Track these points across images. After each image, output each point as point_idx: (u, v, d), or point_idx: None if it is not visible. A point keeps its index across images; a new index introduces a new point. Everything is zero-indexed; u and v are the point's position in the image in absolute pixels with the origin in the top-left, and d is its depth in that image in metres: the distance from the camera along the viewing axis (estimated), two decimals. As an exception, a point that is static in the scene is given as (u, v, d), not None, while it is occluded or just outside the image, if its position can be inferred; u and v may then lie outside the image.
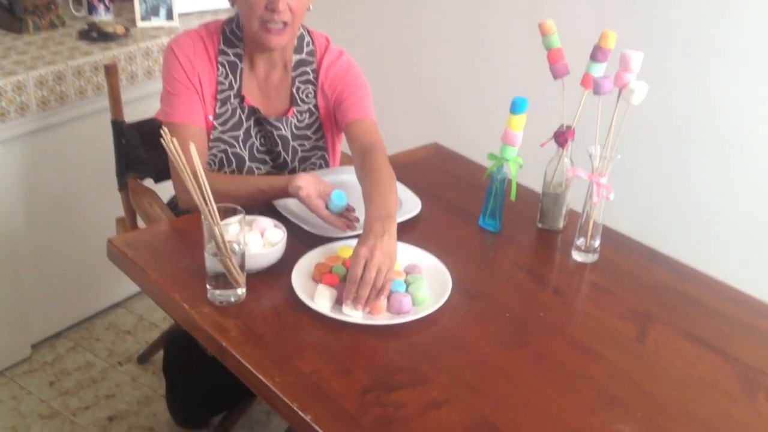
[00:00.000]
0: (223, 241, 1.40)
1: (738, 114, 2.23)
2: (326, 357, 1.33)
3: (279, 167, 1.91)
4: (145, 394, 2.42)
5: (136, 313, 2.74)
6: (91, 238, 2.54)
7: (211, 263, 1.43)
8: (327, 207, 1.62)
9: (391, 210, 1.54)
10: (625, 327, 1.45)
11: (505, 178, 1.68)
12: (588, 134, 1.60)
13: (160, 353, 2.43)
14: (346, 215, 1.62)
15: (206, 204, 1.40)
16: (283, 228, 1.57)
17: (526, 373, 1.32)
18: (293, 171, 1.92)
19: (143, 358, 2.53)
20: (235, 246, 1.43)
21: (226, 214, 1.45)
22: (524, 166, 1.68)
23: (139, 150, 2.19)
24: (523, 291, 1.54)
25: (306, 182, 1.62)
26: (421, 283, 1.48)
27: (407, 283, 1.49)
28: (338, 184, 1.81)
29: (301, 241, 1.61)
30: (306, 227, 1.66)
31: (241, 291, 1.46)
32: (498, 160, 1.67)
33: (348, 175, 1.86)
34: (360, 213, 1.60)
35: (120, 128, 2.15)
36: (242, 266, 1.44)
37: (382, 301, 1.43)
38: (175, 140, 1.40)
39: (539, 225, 1.75)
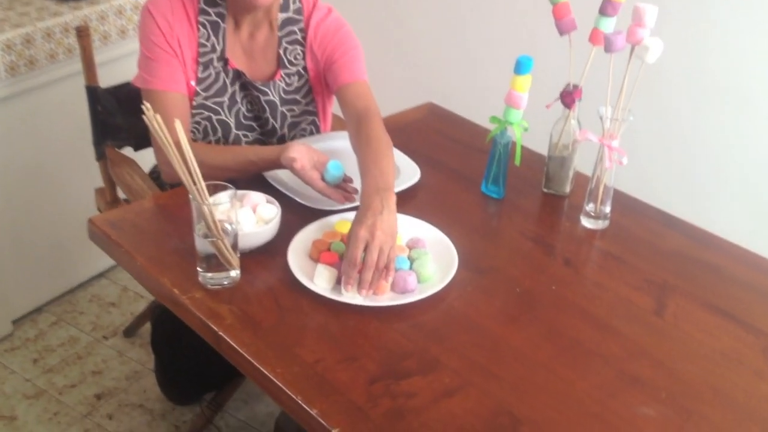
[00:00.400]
0: (214, 222, 1.31)
1: (762, 71, 2.13)
2: (329, 344, 1.25)
3: (267, 134, 1.81)
4: (133, 369, 2.34)
5: (120, 284, 2.65)
6: (70, 209, 2.43)
7: (202, 245, 1.33)
8: (322, 178, 1.52)
9: (389, 181, 1.45)
10: (642, 299, 1.38)
11: (509, 142, 1.59)
12: (597, 94, 1.51)
13: (148, 325, 2.34)
14: (343, 186, 1.53)
15: (194, 183, 1.30)
16: (276, 203, 1.47)
17: (541, 353, 1.25)
18: (282, 138, 1.82)
19: (130, 332, 2.44)
20: (227, 226, 1.34)
21: (215, 190, 1.36)
22: (529, 130, 1.59)
23: (117, 116, 2.07)
24: (533, 263, 1.46)
25: (299, 153, 1.52)
26: (425, 258, 1.39)
27: (411, 260, 1.40)
28: (331, 151, 1.71)
29: (295, 215, 1.52)
30: (300, 200, 1.56)
31: (235, 273, 1.37)
32: (501, 123, 1.57)
33: (341, 141, 1.76)
34: (358, 183, 1.51)
35: (95, 94, 2.03)
36: (235, 247, 1.35)
37: (389, 279, 1.34)
38: (158, 117, 1.29)
39: (545, 190, 1.66)
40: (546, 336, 1.29)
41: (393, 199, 1.40)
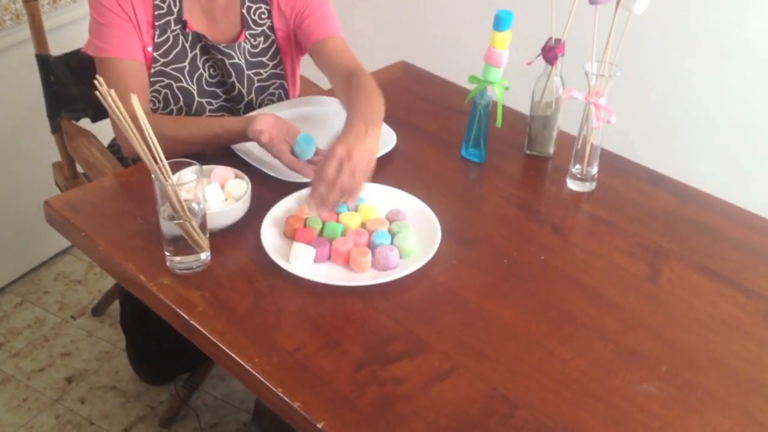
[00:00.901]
0: (180, 202, 1.21)
1: (757, 22, 2.05)
2: (310, 328, 1.18)
3: (233, 100, 1.70)
4: (103, 349, 2.25)
5: (85, 260, 2.55)
6: (28, 185, 2.32)
7: (168, 227, 1.24)
8: (293, 152, 1.42)
9: (377, 118, 1.39)
10: (635, 265, 1.31)
11: (489, 103, 1.51)
12: (581, 50, 1.43)
13: (116, 303, 2.25)
14: (315, 161, 1.44)
15: (156, 161, 1.20)
16: (246, 178, 1.38)
17: (534, 330, 1.18)
18: (249, 104, 1.71)
19: (98, 310, 2.35)
20: (194, 205, 1.25)
21: (179, 167, 1.26)
22: (510, 89, 1.50)
23: (71, 86, 1.95)
24: (520, 231, 1.39)
25: (267, 125, 1.42)
26: (406, 232, 1.32)
27: (392, 234, 1.32)
28: (304, 118, 1.62)
29: (267, 188, 1.43)
30: (271, 173, 1.47)
31: (205, 255, 1.28)
32: (481, 83, 1.49)
33: (312, 107, 1.66)
34: (322, 140, 1.43)
35: (46, 63, 1.90)
36: (204, 227, 1.26)
37: (365, 257, 1.26)
38: (113, 92, 1.18)
39: (527, 151, 1.59)
40: (538, 311, 1.22)
41: (379, 132, 1.36)
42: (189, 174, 1.25)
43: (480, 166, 1.55)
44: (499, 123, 1.51)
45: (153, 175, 1.21)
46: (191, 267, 1.27)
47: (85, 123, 1.97)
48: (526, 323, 1.19)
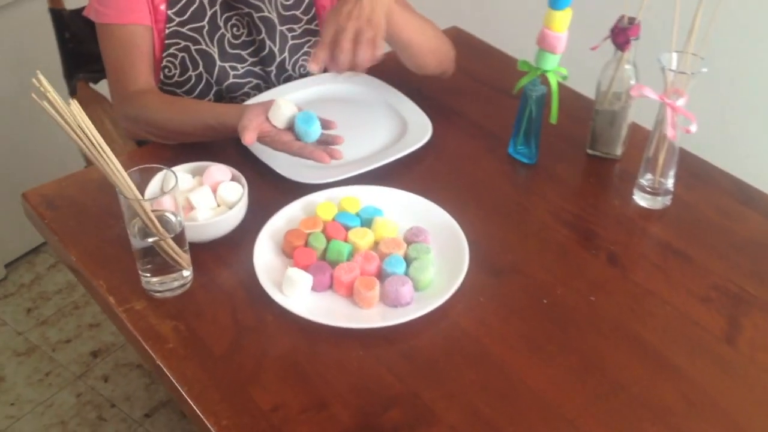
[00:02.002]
0: (151, 219, 1.02)
1: None
2: (294, 381, 0.97)
3: (263, 62, 1.47)
4: (131, 323, 2.11)
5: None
6: (60, 141, 2.16)
7: (139, 244, 1.05)
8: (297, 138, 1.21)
9: None
10: (709, 317, 1.05)
11: (542, 95, 1.24)
12: (658, 36, 1.14)
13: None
14: (325, 140, 1.22)
15: (114, 172, 1.00)
16: (243, 181, 1.17)
17: (569, 401, 0.95)
18: (282, 66, 1.49)
19: (130, 279, 2.21)
20: (170, 217, 1.05)
21: (152, 172, 1.07)
22: (568, 78, 1.24)
23: (88, 44, 1.74)
24: (568, 260, 1.14)
25: (255, 115, 1.20)
26: (426, 260, 1.09)
27: (408, 260, 1.09)
28: (327, 99, 1.39)
29: (274, 188, 1.23)
30: (279, 170, 1.25)
31: (187, 273, 1.09)
32: (533, 71, 1.22)
33: (341, 85, 1.43)
34: (342, 128, 1.22)
35: (60, 18, 1.71)
36: (182, 242, 1.06)
37: (372, 291, 1.04)
38: (53, 92, 0.97)
39: (589, 151, 1.32)
40: (578, 374, 0.98)
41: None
42: (159, 182, 1.05)
43: (529, 169, 1.29)
44: (553, 119, 1.24)
45: (117, 189, 1.01)
46: (171, 287, 1.08)
47: (104, 86, 1.78)
48: (560, 391, 0.96)
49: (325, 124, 1.22)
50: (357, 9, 1.23)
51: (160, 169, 1.05)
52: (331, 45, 1.24)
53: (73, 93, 1.77)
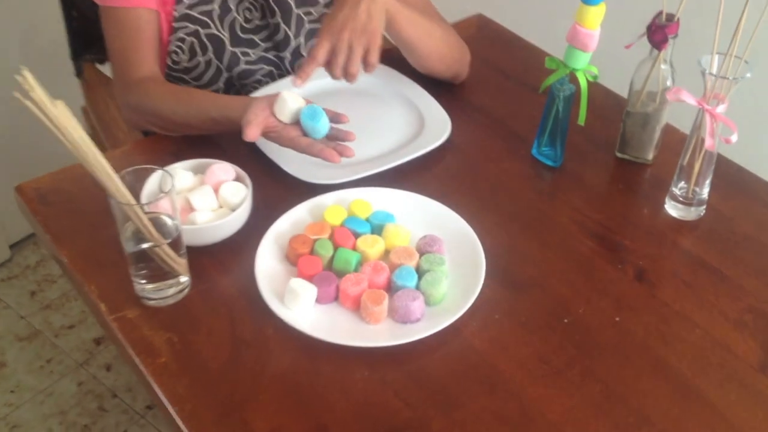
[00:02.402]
0: (146, 225, 0.95)
1: None
2: (293, 403, 0.91)
3: (278, 47, 1.39)
4: (136, 311, 2.06)
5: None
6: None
7: (132, 247, 0.98)
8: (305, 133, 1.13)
9: None
10: (744, 344, 0.97)
11: (571, 95, 1.16)
12: (698, 35, 1.05)
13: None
14: (336, 135, 1.14)
15: (103, 174, 0.93)
16: (248, 180, 1.10)
17: (592, 434, 0.88)
18: (297, 51, 1.40)
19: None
20: (166, 220, 0.98)
21: (147, 172, 1.00)
22: (599, 77, 1.15)
23: (97, 24, 1.67)
24: (592, 274, 1.06)
25: (260, 110, 1.12)
26: (439, 272, 1.01)
27: (420, 272, 1.02)
28: (340, 92, 1.31)
29: (276, 186, 1.16)
30: (286, 168, 1.18)
31: (185, 279, 1.02)
32: (561, 69, 1.14)
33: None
34: (354, 124, 1.15)
35: (68, -4, 1.64)
36: (178, 247, 0.99)
37: (380, 305, 0.97)
38: (38, 90, 0.89)
39: (618, 154, 1.23)
40: (599, 404, 0.91)
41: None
42: (158, 180, 0.98)
43: (553, 172, 1.21)
44: (581, 121, 1.16)
45: (108, 194, 0.94)
46: (166, 295, 1.01)
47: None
48: (580, 424, 0.89)
49: (335, 118, 1.15)
50: (353, 17, 1.16)
51: (155, 170, 0.98)
52: (324, 60, 1.18)
53: (79, 74, 1.70)
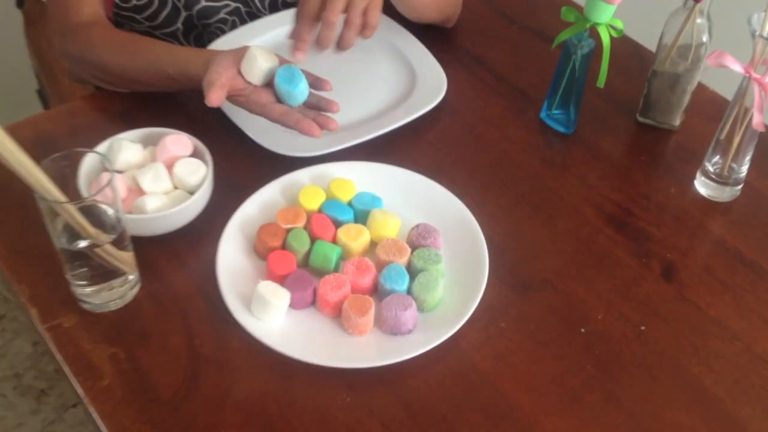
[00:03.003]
0: (81, 224, 0.78)
1: None
2: (262, 438, 0.76)
3: None
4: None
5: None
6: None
7: (65, 244, 0.81)
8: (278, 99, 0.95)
9: None
10: (791, 360, 0.83)
11: (590, 52, 0.98)
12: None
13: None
14: (316, 103, 0.96)
15: (21, 167, 0.75)
16: (207, 157, 0.92)
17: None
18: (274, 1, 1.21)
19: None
20: (106, 210, 0.81)
21: (79, 155, 0.82)
22: (624, 32, 0.97)
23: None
24: (611, 270, 0.90)
25: (224, 68, 0.94)
26: (435, 272, 0.86)
27: (413, 271, 0.86)
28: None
29: (243, 159, 0.99)
30: (254, 137, 1.00)
31: (132, 278, 0.86)
32: (581, 22, 0.96)
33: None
34: (334, 82, 0.96)
35: None
36: (125, 241, 0.83)
37: (365, 316, 0.81)
38: None
39: (640, 119, 1.07)
40: (626, 436, 0.77)
41: None
42: (97, 170, 0.81)
43: (565, 141, 1.04)
44: (601, 83, 0.99)
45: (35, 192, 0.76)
46: (108, 300, 0.85)
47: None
48: (602, 464, 0.75)
49: (316, 84, 0.96)
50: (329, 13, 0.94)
51: (84, 154, 0.80)
52: (313, 18, 0.96)
53: (20, 5, 1.49)
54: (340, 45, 0.96)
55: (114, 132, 0.93)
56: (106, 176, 0.81)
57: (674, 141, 1.05)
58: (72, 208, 0.76)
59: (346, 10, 0.94)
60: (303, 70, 0.94)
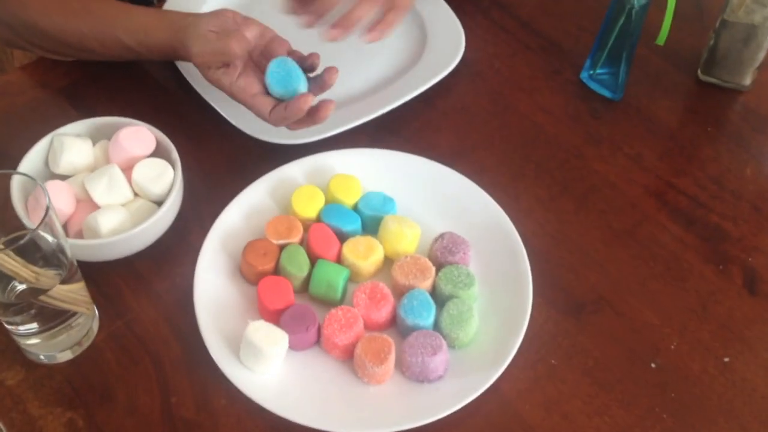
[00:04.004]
0: (13, 270, 0.60)
1: None
2: None
3: None
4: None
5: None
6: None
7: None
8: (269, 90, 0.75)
9: None
10: None
11: (647, 3, 0.79)
12: None
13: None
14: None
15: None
16: (174, 156, 0.73)
17: None
18: None
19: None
20: (45, 237, 0.63)
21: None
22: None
23: None
24: (683, 284, 0.73)
25: (207, 45, 0.73)
26: (468, 298, 0.69)
27: (439, 300, 0.69)
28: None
29: (222, 152, 0.80)
30: (234, 121, 0.81)
31: (84, 319, 0.68)
32: (640, -35, 0.76)
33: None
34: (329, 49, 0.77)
35: None
36: (73, 275, 0.65)
37: (384, 364, 0.65)
38: None
39: (702, 77, 0.88)
40: None
41: None
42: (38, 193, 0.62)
43: (612, 108, 0.86)
44: (661, 40, 0.79)
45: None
46: (61, 349, 0.68)
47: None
48: None
49: (304, 63, 0.75)
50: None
51: (9, 176, 0.62)
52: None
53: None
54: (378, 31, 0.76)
55: (56, 115, 0.76)
56: (42, 199, 0.62)
57: (743, 104, 0.87)
58: (5, 258, 0.58)
59: None
60: (298, 56, 0.73)
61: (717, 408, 0.66)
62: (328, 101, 0.72)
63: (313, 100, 0.72)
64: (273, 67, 0.71)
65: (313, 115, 0.72)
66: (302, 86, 0.72)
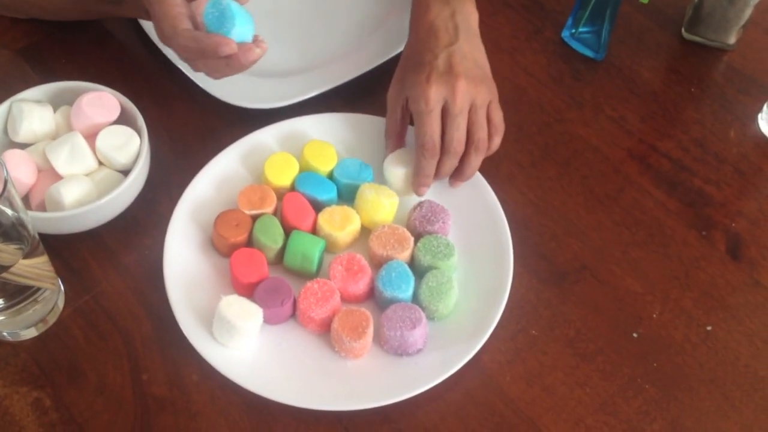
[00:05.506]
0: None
1: None
2: None
3: None
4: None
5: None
6: None
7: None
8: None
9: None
10: None
11: (633, -42, 0.76)
12: None
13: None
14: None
15: None
16: (141, 123, 0.70)
17: None
18: None
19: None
20: (5, 211, 0.60)
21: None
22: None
23: None
24: (665, 250, 0.72)
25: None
26: (448, 269, 0.67)
27: (418, 270, 0.67)
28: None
29: (191, 118, 0.77)
30: (206, 87, 0.77)
31: (49, 292, 0.66)
32: None
33: None
34: (301, 18, 0.74)
35: None
36: (36, 249, 0.63)
37: (362, 339, 0.63)
38: None
39: (686, 35, 0.85)
40: (696, 482, 0.61)
41: (474, 15, 0.72)
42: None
43: (594, 69, 0.83)
44: (646, -2, 0.77)
45: None
46: (23, 327, 0.65)
47: None
48: None
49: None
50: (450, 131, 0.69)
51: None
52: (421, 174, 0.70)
53: None
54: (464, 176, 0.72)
55: (15, 79, 0.72)
56: (0, 172, 0.59)
57: (727, 64, 0.84)
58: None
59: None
60: None
61: (699, 377, 0.65)
62: (250, 45, 0.61)
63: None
64: (207, 7, 0.65)
65: (230, 62, 0.62)
66: (239, 29, 0.64)
